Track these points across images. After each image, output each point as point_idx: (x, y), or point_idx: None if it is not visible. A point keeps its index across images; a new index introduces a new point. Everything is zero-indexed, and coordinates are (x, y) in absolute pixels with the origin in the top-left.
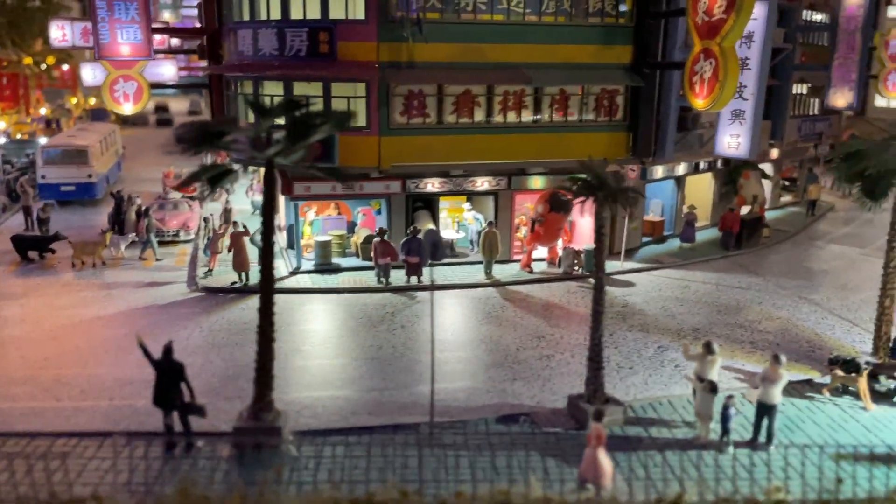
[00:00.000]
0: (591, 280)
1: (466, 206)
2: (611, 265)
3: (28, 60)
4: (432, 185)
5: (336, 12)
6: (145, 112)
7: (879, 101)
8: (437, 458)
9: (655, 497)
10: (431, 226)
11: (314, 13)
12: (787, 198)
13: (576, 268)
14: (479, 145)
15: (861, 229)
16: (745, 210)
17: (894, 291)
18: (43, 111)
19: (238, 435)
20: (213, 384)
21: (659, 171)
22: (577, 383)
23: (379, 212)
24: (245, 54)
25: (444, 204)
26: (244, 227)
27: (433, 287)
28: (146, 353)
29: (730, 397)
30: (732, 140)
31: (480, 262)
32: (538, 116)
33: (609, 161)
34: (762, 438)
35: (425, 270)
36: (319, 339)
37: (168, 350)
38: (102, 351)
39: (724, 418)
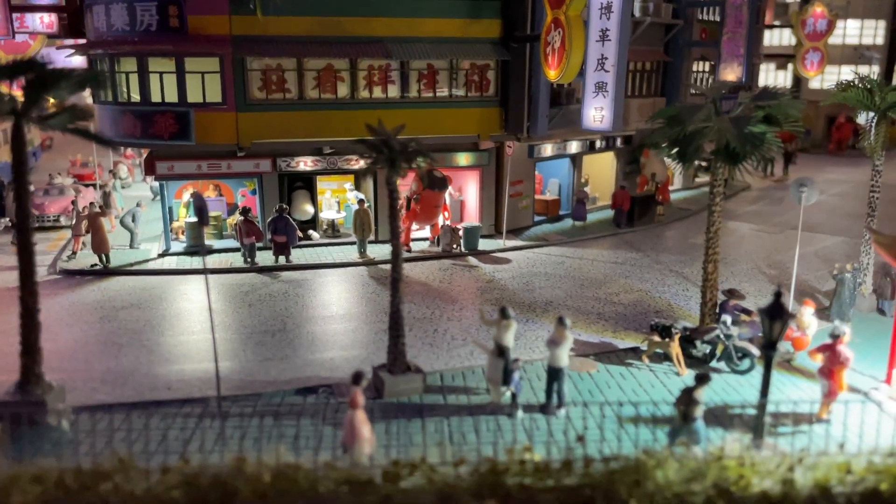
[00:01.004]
0: (470, 258)
1: (348, 185)
2: (493, 243)
3: None
4: (305, 163)
5: None
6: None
7: (814, 83)
8: (216, 431)
9: (393, 459)
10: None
11: None
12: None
13: (454, 246)
14: (347, 121)
15: (766, 207)
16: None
17: (717, 257)
18: None
19: None
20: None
21: (548, 148)
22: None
23: (254, 192)
24: (101, 31)
25: (331, 185)
26: (100, 207)
27: (207, 271)
28: None
29: (514, 361)
30: (597, 113)
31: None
32: (406, 92)
33: (483, 137)
34: (554, 402)
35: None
36: (161, 319)
37: None
38: None
39: (510, 382)
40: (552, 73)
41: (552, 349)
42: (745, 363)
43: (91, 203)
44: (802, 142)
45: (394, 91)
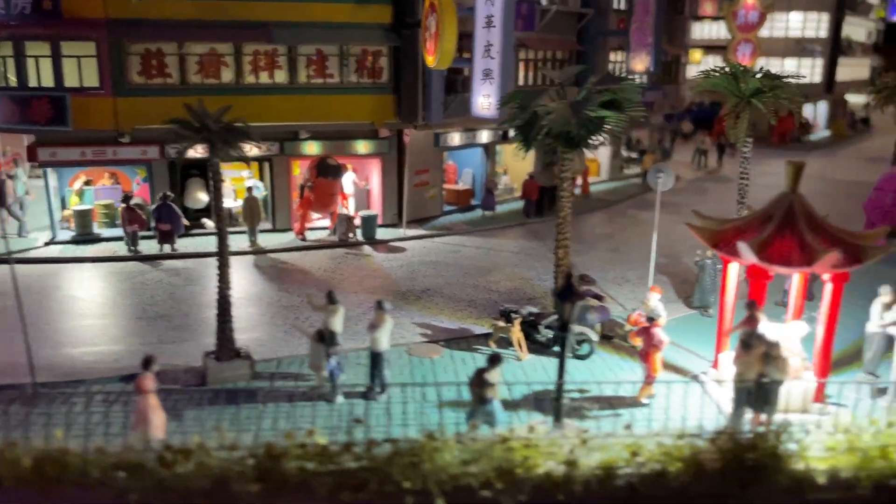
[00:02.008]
0: (366, 247)
1: (246, 174)
2: (395, 232)
3: None
4: (195, 150)
5: None
6: None
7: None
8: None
9: (166, 445)
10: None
11: None
12: (634, 170)
13: (351, 235)
14: (234, 107)
15: (688, 198)
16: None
17: (567, 242)
18: None
19: None
20: None
21: (456, 137)
22: (251, 344)
23: (146, 180)
24: None
25: (232, 173)
26: None
27: (13, 260)
28: None
29: (333, 347)
30: (485, 100)
31: (265, 231)
32: (295, 78)
33: (377, 124)
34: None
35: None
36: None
37: None
38: None
39: (329, 368)
40: (430, 59)
41: (372, 333)
42: (585, 348)
43: None
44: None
45: (281, 76)
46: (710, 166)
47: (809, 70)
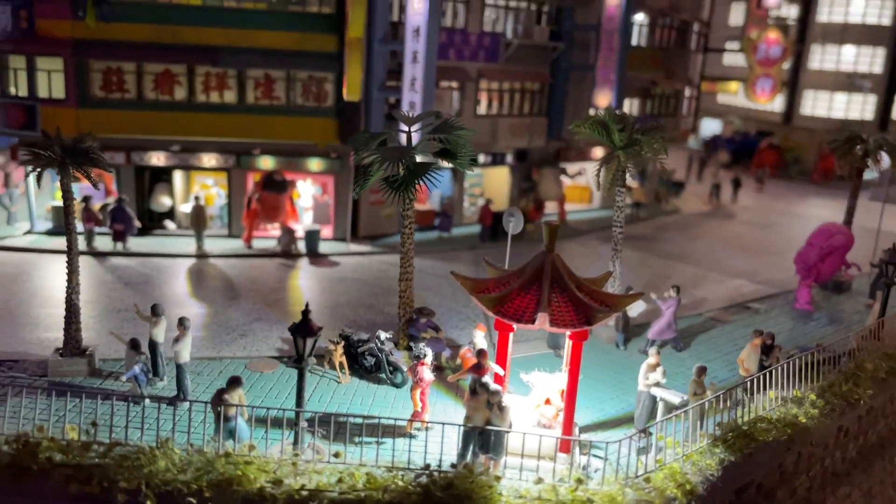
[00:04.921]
0: (304, 260)
1: (210, 181)
2: (340, 246)
3: None
4: (158, 158)
5: None
6: None
7: (805, 110)
8: None
9: None
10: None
11: None
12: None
13: (292, 247)
14: (189, 122)
15: (673, 234)
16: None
17: (409, 276)
18: None
19: None
20: None
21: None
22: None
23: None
24: None
25: (202, 180)
26: None
27: None
28: None
29: (139, 355)
30: None
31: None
32: (244, 99)
33: (321, 146)
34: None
35: None
36: None
37: None
38: None
39: (131, 374)
40: (345, 91)
41: (174, 347)
42: (398, 377)
43: None
44: (792, 170)
45: (231, 97)
46: (724, 201)
47: (860, 106)
